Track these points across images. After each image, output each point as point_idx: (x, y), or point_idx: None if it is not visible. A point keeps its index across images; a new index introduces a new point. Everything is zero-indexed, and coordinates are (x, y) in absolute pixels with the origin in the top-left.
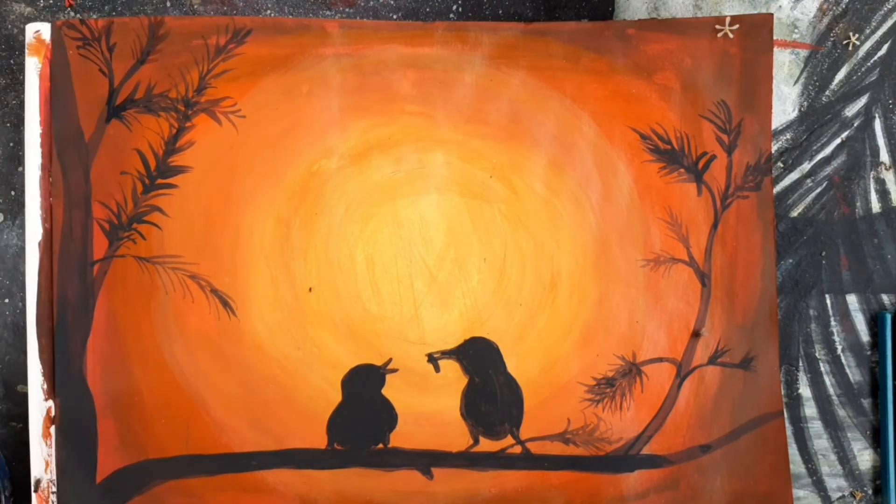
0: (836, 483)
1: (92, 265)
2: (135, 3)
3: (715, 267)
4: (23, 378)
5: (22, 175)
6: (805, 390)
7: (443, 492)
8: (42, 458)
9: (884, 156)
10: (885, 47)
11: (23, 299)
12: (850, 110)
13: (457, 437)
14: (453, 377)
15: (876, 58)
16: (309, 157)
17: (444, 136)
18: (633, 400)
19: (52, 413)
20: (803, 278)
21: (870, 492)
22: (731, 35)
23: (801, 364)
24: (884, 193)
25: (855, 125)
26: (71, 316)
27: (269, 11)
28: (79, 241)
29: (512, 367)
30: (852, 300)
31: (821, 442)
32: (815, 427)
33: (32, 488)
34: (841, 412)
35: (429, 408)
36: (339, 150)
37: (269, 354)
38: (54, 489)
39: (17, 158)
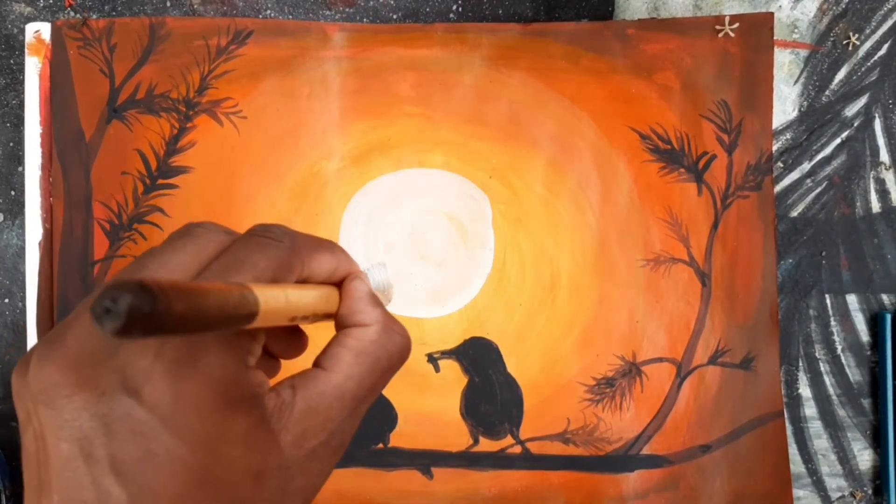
0: (836, 483)
1: (92, 265)
2: (135, 3)
3: (715, 267)
4: None
5: (22, 175)
6: (805, 390)
7: (443, 492)
8: None
9: (884, 156)
10: (885, 47)
11: (23, 299)
12: (850, 110)
13: (457, 437)
14: (453, 377)
15: (876, 58)
16: (310, 158)
17: (443, 137)
18: (633, 400)
19: None
20: (803, 278)
21: (870, 492)
22: (731, 34)
23: (801, 364)
24: (884, 193)
25: (855, 125)
26: None
27: (269, 11)
28: (79, 242)
29: (512, 367)
30: (852, 300)
31: (821, 442)
32: (815, 427)
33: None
34: (841, 412)
35: (429, 408)
36: (339, 152)
37: None
38: None
39: (17, 158)
